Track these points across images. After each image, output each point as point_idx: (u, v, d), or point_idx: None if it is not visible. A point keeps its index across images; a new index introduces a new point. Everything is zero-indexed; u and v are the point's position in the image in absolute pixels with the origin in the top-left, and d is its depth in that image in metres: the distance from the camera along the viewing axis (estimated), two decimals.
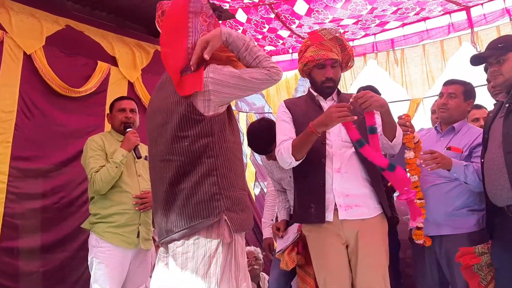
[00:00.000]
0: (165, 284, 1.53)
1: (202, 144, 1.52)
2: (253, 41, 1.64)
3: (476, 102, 2.46)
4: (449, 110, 2.30)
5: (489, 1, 3.68)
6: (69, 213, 3.11)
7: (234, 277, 1.48)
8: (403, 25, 4.10)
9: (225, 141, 1.56)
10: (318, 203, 1.95)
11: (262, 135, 2.45)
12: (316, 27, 3.87)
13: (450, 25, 3.95)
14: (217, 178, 1.51)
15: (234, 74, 1.55)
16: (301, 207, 2.06)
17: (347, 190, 1.94)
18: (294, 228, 2.48)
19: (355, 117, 1.85)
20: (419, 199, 2.13)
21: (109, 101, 2.98)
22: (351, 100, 1.90)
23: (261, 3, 3.69)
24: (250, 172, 5.10)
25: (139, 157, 2.53)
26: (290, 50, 4.62)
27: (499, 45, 1.91)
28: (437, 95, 2.47)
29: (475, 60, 2.03)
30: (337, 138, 2.01)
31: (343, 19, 3.83)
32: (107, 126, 3.09)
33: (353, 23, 3.95)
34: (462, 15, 3.83)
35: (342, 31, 4.09)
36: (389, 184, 2.35)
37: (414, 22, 4.03)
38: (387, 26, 4.13)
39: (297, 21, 3.91)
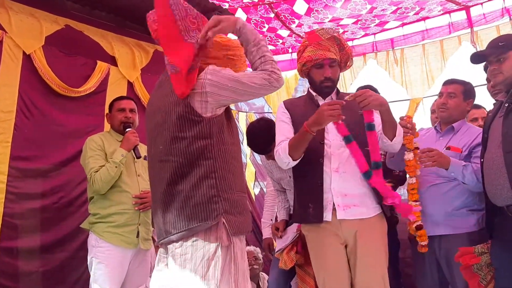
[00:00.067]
0: (165, 284, 1.53)
1: (200, 145, 1.51)
2: (265, 42, 1.64)
3: (476, 102, 2.46)
4: (449, 110, 2.30)
5: (488, 0, 3.67)
6: (68, 213, 3.11)
7: (234, 280, 1.47)
8: (403, 24, 4.10)
9: (223, 143, 1.56)
10: (316, 203, 1.96)
11: (262, 135, 2.46)
12: (316, 26, 3.87)
13: (449, 25, 3.95)
14: (215, 181, 1.51)
15: (233, 77, 1.55)
16: (300, 207, 2.07)
17: (346, 190, 1.94)
18: (293, 228, 2.48)
19: (343, 116, 1.86)
20: (415, 201, 2.14)
21: (108, 101, 2.98)
22: (346, 98, 1.91)
23: (260, 3, 3.68)
24: (250, 172, 5.10)
25: (138, 157, 2.53)
26: (290, 50, 4.61)
27: (499, 44, 1.91)
28: (437, 95, 2.48)
29: (476, 58, 2.03)
30: (336, 138, 2.00)
31: (342, 18, 3.82)
32: (107, 126, 3.09)
33: (353, 23, 3.95)
34: (462, 14, 3.83)
35: (341, 30, 4.09)
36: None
37: (413, 21, 4.03)
38: (386, 26, 4.13)
39: (296, 21, 3.91)
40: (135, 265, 2.50)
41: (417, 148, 2.15)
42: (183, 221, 1.49)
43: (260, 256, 3.69)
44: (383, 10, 3.67)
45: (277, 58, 4.65)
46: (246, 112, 5.25)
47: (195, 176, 1.50)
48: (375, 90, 2.80)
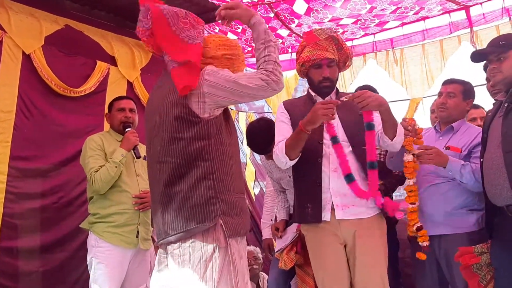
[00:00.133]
0: (165, 285, 1.53)
1: (198, 146, 1.51)
2: (276, 44, 1.64)
3: (476, 101, 2.46)
4: (448, 110, 2.30)
5: (488, 0, 3.67)
6: (68, 213, 3.11)
7: (233, 281, 1.47)
8: (403, 24, 4.10)
9: (221, 144, 1.56)
10: (315, 202, 1.96)
11: (261, 135, 2.46)
12: (316, 26, 3.87)
13: (449, 25, 3.95)
14: (213, 182, 1.51)
15: (231, 78, 1.55)
16: (299, 207, 2.07)
17: (344, 190, 1.94)
18: (293, 228, 2.48)
19: (335, 117, 1.86)
20: (412, 203, 2.14)
21: (108, 100, 2.98)
22: (343, 98, 1.91)
23: (260, 2, 3.68)
24: (249, 172, 5.10)
25: (138, 157, 2.53)
26: (290, 50, 4.62)
27: (500, 43, 1.91)
28: (437, 95, 2.47)
29: (476, 57, 2.03)
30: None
31: (342, 18, 3.83)
32: (106, 126, 3.09)
33: (352, 23, 3.95)
34: (462, 14, 3.83)
35: (341, 30, 4.09)
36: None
37: (413, 21, 4.03)
38: (386, 26, 4.13)
39: (296, 20, 3.91)
40: (134, 265, 2.49)
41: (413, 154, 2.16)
42: (181, 222, 1.49)
43: (260, 256, 3.69)
44: (382, 10, 3.67)
45: None
46: (246, 112, 5.26)
47: (193, 177, 1.50)
48: (374, 90, 2.79)
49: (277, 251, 2.51)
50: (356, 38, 4.40)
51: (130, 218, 2.43)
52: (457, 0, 3.65)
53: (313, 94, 2.15)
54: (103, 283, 2.33)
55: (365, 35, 4.33)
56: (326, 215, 1.95)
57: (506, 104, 1.89)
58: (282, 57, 4.67)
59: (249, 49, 4.34)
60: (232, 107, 4.84)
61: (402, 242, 2.72)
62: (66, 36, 3.29)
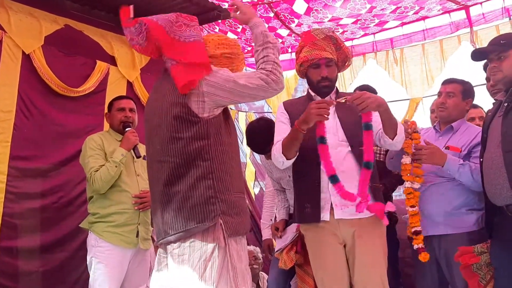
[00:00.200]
0: (164, 284, 1.53)
1: (197, 146, 1.51)
2: (275, 45, 1.65)
3: (475, 101, 2.46)
4: (448, 109, 2.30)
5: (488, 0, 3.67)
6: (68, 213, 3.11)
7: (233, 281, 1.47)
8: (402, 24, 4.10)
9: (221, 144, 1.56)
10: (314, 202, 1.96)
11: (261, 135, 2.46)
12: (316, 26, 3.87)
13: (449, 25, 3.95)
14: (212, 182, 1.51)
15: (230, 78, 1.55)
16: (299, 207, 2.07)
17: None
18: (293, 228, 2.48)
19: (328, 117, 1.85)
20: (412, 206, 2.14)
21: (108, 100, 2.98)
22: (339, 100, 1.90)
23: (260, 2, 3.68)
24: (249, 172, 5.10)
25: (138, 157, 2.53)
26: (289, 50, 4.62)
27: (501, 42, 1.91)
28: (436, 95, 2.47)
29: (476, 55, 2.03)
30: (334, 137, 2.00)
31: (342, 18, 3.83)
32: (106, 126, 3.09)
33: (352, 23, 3.95)
34: (461, 14, 3.83)
35: (341, 30, 4.09)
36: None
37: (413, 21, 4.03)
38: (386, 26, 4.13)
39: (296, 20, 3.91)
40: (134, 265, 2.49)
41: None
42: (180, 222, 1.49)
43: (260, 255, 3.69)
44: (382, 9, 3.67)
45: None
46: (245, 111, 5.26)
47: (192, 177, 1.50)
48: (373, 90, 2.80)
49: (277, 251, 2.51)
50: (356, 38, 4.41)
51: (130, 218, 2.43)
52: None
53: (312, 94, 2.15)
54: (103, 283, 2.33)
55: (365, 35, 4.34)
56: (325, 215, 1.95)
57: (505, 104, 1.89)
58: (282, 57, 4.67)
59: (249, 48, 4.35)
60: (232, 106, 4.84)
61: (402, 241, 2.73)
62: (66, 36, 3.29)
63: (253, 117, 5.01)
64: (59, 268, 3.02)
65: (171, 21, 1.58)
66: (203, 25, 3.86)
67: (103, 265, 2.35)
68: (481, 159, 1.97)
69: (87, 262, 2.43)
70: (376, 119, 1.95)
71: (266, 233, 2.92)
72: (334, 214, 1.93)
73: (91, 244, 2.42)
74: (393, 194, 2.92)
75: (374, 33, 4.32)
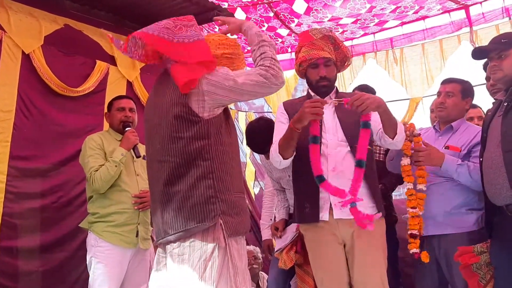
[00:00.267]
0: (163, 285, 1.53)
1: (198, 146, 1.51)
2: (270, 43, 1.65)
3: (475, 101, 2.45)
4: (447, 109, 2.30)
5: None
6: (67, 213, 3.11)
7: (233, 281, 1.47)
8: (402, 24, 4.10)
9: (221, 144, 1.56)
10: (312, 202, 1.96)
11: (261, 134, 2.46)
12: (315, 25, 3.87)
13: (449, 24, 3.95)
14: (213, 181, 1.51)
15: (229, 76, 1.55)
16: (298, 207, 2.07)
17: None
18: (293, 228, 2.48)
19: (322, 116, 1.85)
20: (413, 208, 2.14)
21: (107, 100, 2.98)
22: (334, 100, 1.92)
23: (260, 2, 3.68)
24: (249, 171, 5.10)
25: (138, 156, 2.53)
26: (289, 49, 4.62)
27: (502, 40, 1.91)
28: (436, 94, 2.47)
29: (477, 54, 2.03)
30: (334, 137, 2.00)
31: (342, 18, 3.83)
32: (106, 126, 3.09)
33: (352, 22, 3.95)
34: (461, 13, 3.83)
35: (341, 30, 4.09)
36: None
37: (413, 20, 4.03)
38: (386, 25, 4.13)
39: (296, 20, 3.91)
40: (134, 265, 2.49)
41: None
42: (180, 221, 1.49)
43: (260, 255, 3.69)
44: (382, 9, 3.67)
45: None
46: (245, 111, 5.26)
47: (193, 177, 1.50)
48: (371, 90, 2.80)
49: (276, 251, 2.50)
50: (355, 38, 4.41)
51: (129, 218, 2.43)
52: None
53: (312, 94, 2.15)
54: (103, 283, 2.33)
55: (365, 34, 4.34)
56: (324, 215, 1.94)
57: (505, 104, 1.89)
58: (282, 56, 4.67)
59: (249, 48, 4.34)
60: (232, 106, 4.84)
61: (402, 241, 2.72)
62: (65, 35, 3.29)
63: (253, 116, 5.01)
64: (59, 268, 3.02)
65: (168, 28, 1.57)
66: (203, 25, 3.86)
67: (103, 265, 2.35)
68: (481, 159, 1.97)
69: (87, 262, 2.43)
70: (375, 118, 1.95)
71: (265, 234, 2.91)
72: (333, 214, 1.93)
73: (91, 244, 2.42)
74: (393, 194, 2.92)
75: (374, 33, 4.32)
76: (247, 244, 3.71)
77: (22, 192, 2.91)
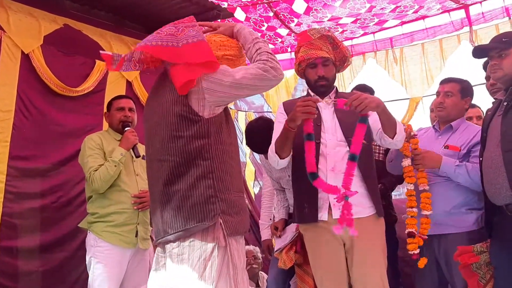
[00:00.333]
0: (162, 284, 1.53)
1: (198, 145, 1.51)
2: (264, 40, 1.65)
3: (475, 101, 2.45)
4: (446, 109, 2.30)
5: None
6: (67, 213, 3.11)
7: (233, 280, 1.47)
8: (402, 23, 4.10)
9: (221, 143, 1.55)
10: (311, 202, 1.96)
11: (260, 134, 2.46)
12: (315, 25, 3.87)
13: (449, 24, 3.95)
14: (212, 181, 1.50)
15: (228, 72, 1.55)
16: (298, 207, 2.07)
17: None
18: (292, 227, 2.48)
19: (315, 115, 1.85)
20: (411, 207, 2.15)
21: (107, 100, 2.97)
22: (326, 99, 1.91)
23: (259, 2, 3.68)
24: (249, 171, 5.10)
25: (137, 156, 2.53)
26: (289, 49, 4.62)
27: (503, 39, 1.92)
28: (435, 94, 2.47)
29: (477, 52, 2.03)
30: (332, 137, 2.00)
31: (341, 17, 3.82)
32: (105, 125, 3.08)
33: (352, 22, 3.95)
34: (461, 13, 3.83)
35: (340, 30, 4.09)
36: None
37: (413, 20, 4.03)
38: (385, 25, 4.13)
39: (295, 20, 3.91)
40: (133, 265, 2.49)
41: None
42: (180, 221, 1.48)
43: (260, 255, 3.69)
44: (382, 8, 3.67)
45: (276, 57, 4.68)
46: (245, 111, 5.26)
47: (192, 176, 1.50)
48: (370, 89, 2.80)
49: (276, 251, 2.50)
50: (355, 37, 4.40)
51: (129, 218, 2.43)
52: None
53: (312, 94, 2.15)
54: (102, 283, 2.33)
55: (365, 34, 4.33)
56: (323, 215, 1.94)
57: (505, 103, 1.89)
58: (282, 56, 4.67)
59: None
60: (232, 106, 4.84)
61: (401, 241, 2.72)
62: (65, 35, 3.29)
63: (253, 116, 5.00)
64: (58, 268, 3.02)
65: (171, 34, 1.56)
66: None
67: (102, 265, 2.35)
68: (481, 158, 1.97)
69: (86, 262, 2.43)
70: (375, 118, 1.95)
71: (265, 234, 2.91)
72: (332, 214, 1.93)
73: (90, 244, 2.42)
74: (393, 193, 2.92)
75: (373, 33, 4.32)
76: (247, 244, 3.71)
77: (22, 192, 2.91)
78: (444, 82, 2.35)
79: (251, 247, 3.68)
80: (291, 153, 2.05)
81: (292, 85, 5.12)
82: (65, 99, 3.23)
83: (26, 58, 3.03)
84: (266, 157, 2.60)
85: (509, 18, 3.68)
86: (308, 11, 3.73)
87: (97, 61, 3.45)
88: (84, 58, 3.40)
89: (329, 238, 1.96)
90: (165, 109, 1.56)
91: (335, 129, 2.01)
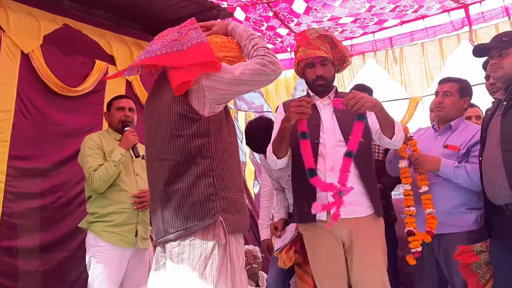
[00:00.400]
0: (162, 284, 1.53)
1: (198, 144, 1.51)
2: (260, 36, 1.67)
3: (474, 101, 2.46)
4: (445, 109, 2.30)
5: None
6: (67, 213, 3.11)
7: (230, 279, 1.47)
8: (402, 23, 4.10)
9: (221, 142, 1.55)
10: (310, 202, 1.95)
11: (260, 134, 2.46)
12: (315, 25, 3.87)
13: (448, 24, 3.95)
14: (213, 179, 1.50)
15: (228, 69, 1.55)
16: (297, 206, 2.08)
17: None
18: (292, 227, 2.48)
19: (307, 115, 1.85)
20: (408, 206, 2.16)
21: (107, 100, 2.97)
22: (319, 101, 1.91)
23: (259, 2, 3.68)
24: (249, 171, 5.10)
25: (137, 156, 2.53)
26: (289, 49, 4.62)
27: (503, 38, 1.92)
28: (434, 94, 2.47)
29: (478, 51, 2.03)
30: (331, 137, 2.00)
31: (341, 17, 3.83)
32: (105, 125, 3.08)
33: (352, 22, 3.95)
34: (461, 13, 3.83)
35: (340, 29, 4.09)
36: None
37: (412, 20, 4.03)
38: (385, 24, 4.13)
39: (295, 19, 3.91)
40: (133, 265, 2.49)
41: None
42: (180, 220, 1.48)
43: (259, 255, 3.69)
44: (381, 8, 3.67)
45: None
46: (245, 111, 5.26)
47: (193, 175, 1.50)
48: (369, 89, 2.80)
49: (276, 250, 2.50)
50: (355, 37, 4.41)
51: (128, 218, 2.43)
52: None
53: (311, 94, 2.15)
54: (102, 283, 2.33)
55: (364, 34, 4.34)
56: (322, 215, 1.94)
57: (505, 103, 1.89)
58: (282, 56, 4.68)
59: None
60: (232, 106, 4.84)
61: (401, 240, 2.72)
62: (64, 35, 3.29)
63: (253, 116, 5.00)
64: (58, 268, 3.02)
65: (175, 39, 1.57)
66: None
67: (102, 265, 2.35)
68: (480, 158, 1.97)
69: (86, 262, 2.43)
70: (374, 118, 1.95)
71: (264, 233, 2.91)
72: (331, 213, 1.93)
73: (90, 244, 2.42)
74: (393, 193, 2.92)
75: (373, 32, 4.32)
76: (247, 243, 3.71)
77: (22, 192, 2.91)
78: (443, 81, 2.35)
79: (251, 247, 3.68)
80: (290, 153, 2.05)
81: (292, 85, 5.12)
82: (65, 99, 3.23)
83: (25, 58, 3.03)
84: (266, 157, 2.61)
85: (509, 18, 3.68)
86: (307, 11, 3.73)
87: (97, 61, 3.45)
88: (83, 58, 3.40)
89: (328, 238, 1.96)
90: (165, 108, 1.56)
91: (334, 129, 2.01)
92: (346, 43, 4.22)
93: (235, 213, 1.53)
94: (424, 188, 2.17)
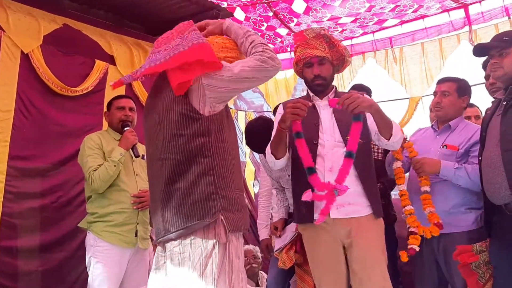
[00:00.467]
0: (162, 284, 1.53)
1: (199, 143, 1.51)
2: (256, 33, 1.66)
3: (474, 101, 2.45)
4: (444, 109, 2.30)
5: None
6: (67, 212, 3.11)
7: (227, 277, 1.47)
8: (402, 23, 4.10)
9: (222, 141, 1.56)
10: (309, 202, 1.95)
11: (260, 134, 2.46)
12: (315, 25, 3.87)
13: (448, 23, 3.95)
14: (213, 178, 1.51)
15: (227, 67, 1.55)
16: (296, 207, 2.08)
17: None
18: (292, 227, 2.48)
19: (302, 117, 1.85)
20: (404, 206, 2.17)
21: (107, 100, 2.98)
22: (312, 103, 1.92)
23: (259, 2, 3.68)
24: (249, 171, 5.10)
25: (137, 156, 2.53)
26: (289, 49, 4.62)
27: (504, 38, 1.92)
28: (433, 94, 2.48)
29: (478, 50, 2.03)
30: (331, 138, 2.00)
31: (341, 17, 3.82)
32: (105, 125, 3.09)
33: (351, 22, 3.94)
34: (461, 13, 3.83)
35: (340, 29, 4.09)
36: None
37: (412, 20, 4.03)
38: (385, 24, 4.13)
39: (295, 19, 3.91)
40: (133, 265, 2.49)
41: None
42: (181, 219, 1.49)
43: (259, 255, 3.69)
44: (381, 8, 3.66)
45: None
46: (245, 111, 5.26)
47: (193, 174, 1.50)
48: (367, 89, 2.80)
49: (276, 250, 2.50)
50: (355, 37, 4.40)
51: (128, 217, 2.43)
52: None
53: (311, 94, 2.15)
54: (102, 283, 2.33)
55: (364, 33, 4.33)
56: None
57: (505, 103, 1.89)
58: (282, 56, 4.67)
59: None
60: (232, 105, 4.84)
61: (401, 240, 2.72)
62: (64, 35, 3.29)
63: (253, 116, 5.00)
64: (58, 268, 3.02)
65: (179, 44, 1.57)
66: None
67: (102, 265, 2.35)
68: (480, 158, 1.97)
69: (86, 262, 2.43)
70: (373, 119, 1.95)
71: (263, 233, 2.91)
72: (330, 214, 1.92)
73: (90, 244, 2.42)
74: (392, 193, 2.92)
75: (373, 32, 4.31)
76: (247, 243, 3.71)
77: (22, 192, 2.92)
78: (441, 81, 2.36)
79: (251, 247, 3.68)
80: (290, 153, 2.05)
81: (292, 85, 5.12)
82: (65, 99, 3.24)
83: (25, 58, 3.04)
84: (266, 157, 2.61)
85: (509, 18, 3.67)
86: (307, 11, 3.72)
87: (97, 61, 3.46)
88: (83, 57, 3.40)
89: (327, 238, 1.96)
90: (166, 108, 1.56)
91: (333, 130, 2.01)
92: (346, 43, 4.22)
93: (236, 212, 1.54)
94: (425, 188, 2.17)
